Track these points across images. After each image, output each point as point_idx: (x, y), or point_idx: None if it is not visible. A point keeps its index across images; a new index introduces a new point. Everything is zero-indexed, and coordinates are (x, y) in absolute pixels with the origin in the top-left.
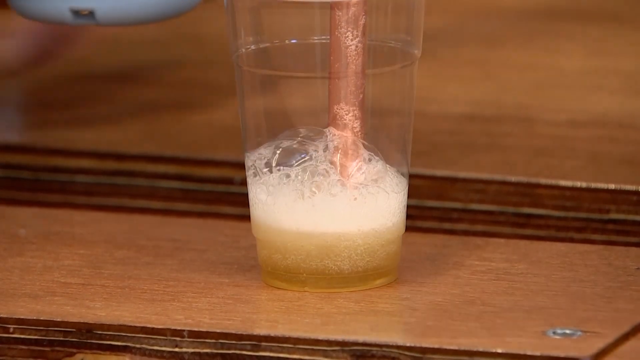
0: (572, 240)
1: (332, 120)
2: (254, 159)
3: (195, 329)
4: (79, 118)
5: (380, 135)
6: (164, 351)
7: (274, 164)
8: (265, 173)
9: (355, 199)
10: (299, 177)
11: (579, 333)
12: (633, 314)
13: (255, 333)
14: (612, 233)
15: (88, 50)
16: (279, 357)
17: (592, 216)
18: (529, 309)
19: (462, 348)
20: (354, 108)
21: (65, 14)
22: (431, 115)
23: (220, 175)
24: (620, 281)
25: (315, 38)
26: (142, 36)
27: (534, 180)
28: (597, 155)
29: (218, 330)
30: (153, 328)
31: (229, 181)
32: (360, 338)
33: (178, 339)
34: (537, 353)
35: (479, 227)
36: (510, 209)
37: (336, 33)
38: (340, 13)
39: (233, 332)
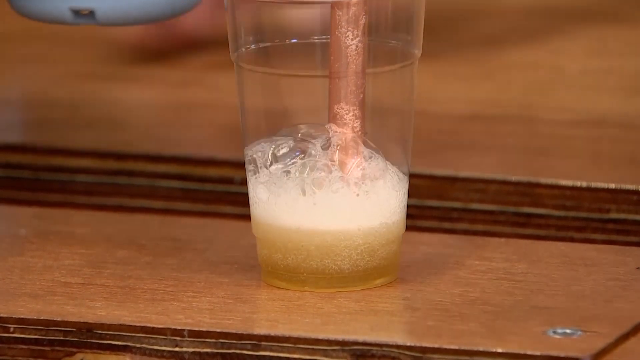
0: (572, 240)
1: (332, 119)
2: (254, 155)
3: (196, 329)
4: (79, 118)
5: (381, 135)
6: (164, 351)
7: (273, 161)
8: (265, 170)
9: (357, 195)
10: (299, 173)
11: (579, 333)
12: (633, 314)
13: (255, 333)
14: (613, 233)
15: (88, 50)
16: (279, 357)
17: (592, 216)
18: (529, 308)
19: (462, 348)
20: (354, 107)
21: (65, 13)
22: (432, 115)
23: (221, 175)
24: (620, 281)
25: (316, 38)
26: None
27: (534, 179)
28: (597, 155)
29: (218, 330)
30: (153, 328)
31: (229, 181)
32: (361, 338)
33: (178, 338)
34: (538, 353)
35: (479, 227)
36: (511, 209)
37: (336, 33)
38: (340, 13)
39: (233, 331)
